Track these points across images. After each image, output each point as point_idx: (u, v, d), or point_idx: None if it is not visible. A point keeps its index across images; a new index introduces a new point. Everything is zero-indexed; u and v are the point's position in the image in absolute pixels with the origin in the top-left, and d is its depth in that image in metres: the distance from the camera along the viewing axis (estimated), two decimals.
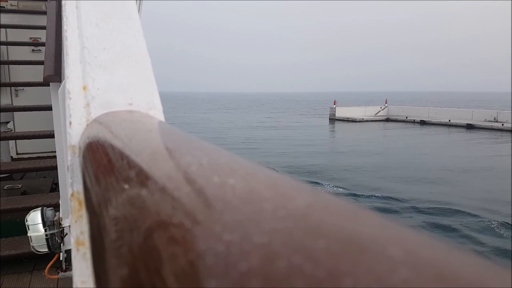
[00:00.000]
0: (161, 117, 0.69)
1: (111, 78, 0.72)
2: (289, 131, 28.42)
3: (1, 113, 4.38)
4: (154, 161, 0.31)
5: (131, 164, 0.33)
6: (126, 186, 0.30)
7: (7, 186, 4.03)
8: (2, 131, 4.49)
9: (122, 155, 0.36)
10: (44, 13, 4.53)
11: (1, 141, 4.62)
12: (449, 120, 30.02)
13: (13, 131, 5.04)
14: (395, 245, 0.14)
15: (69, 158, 0.65)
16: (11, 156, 5.27)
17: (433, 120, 31.24)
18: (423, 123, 31.38)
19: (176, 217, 0.21)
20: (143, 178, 0.29)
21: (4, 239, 3.10)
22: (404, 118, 33.57)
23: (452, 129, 28.12)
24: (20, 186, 4.06)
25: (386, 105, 36.80)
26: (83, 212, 0.63)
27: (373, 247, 0.14)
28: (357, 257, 0.14)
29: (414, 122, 32.23)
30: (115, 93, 0.70)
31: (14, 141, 5.36)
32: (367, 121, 33.75)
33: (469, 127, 28.07)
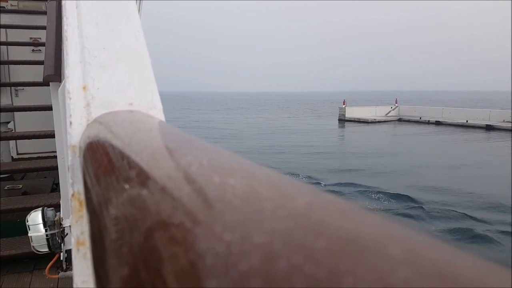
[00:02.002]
0: (161, 117, 0.69)
1: (111, 78, 0.72)
2: (303, 136, 25.22)
3: (1, 113, 4.38)
4: (155, 161, 0.31)
5: (131, 164, 0.33)
6: (126, 186, 0.30)
7: (7, 186, 4.04)
8: (2, 131, 4.49)
9: (123, 155, 0.36)
10: (44, 13, 4.54)
11: (2, 141, 4.62)
12: (467, 121, 28.39)
13: (13, 131, 5.04)
14: (395, 245, 0.14)
15: (69, 158, 0.65)
16: (12, 156, 5.27)
17: (449, 121, 29.59)
18: (438, 123, 29.85)
19: (176, 217, 0.21)
20: (143, 178, 0.29)
21: (4, 239, 3.10)
22: (417, 118, 31.97)
23: (472, 131, 26.26)
24: (20, 186, 4.06)
25: (397, 104, 35.24)
26: (84, 212, 0.63)
27: (373, 246, 0.14)
28: (358, 256, 0.14)
29: (428, 122, 30.73)
30: (115, 93, 0.70)
31: (14, 141, 5.36)
32: (379, 122, 32.05)
33: (489, 128, 26.62)
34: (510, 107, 29.90)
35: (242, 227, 0.17)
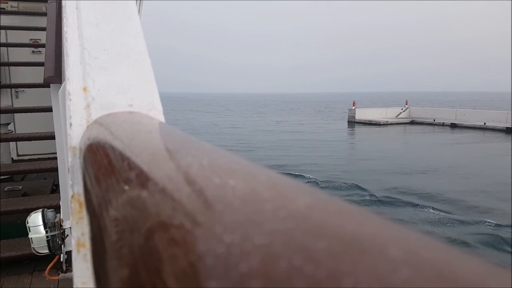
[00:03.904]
0: (162, 118, 0.69)
1: (111, 79, 0.72)
2: (323, 146, 20.55)
3: (2, 114, 4.38)
4: (155, 162, 0.31)
5: (131, 165, 0.33)
6: (126, 187, 0.30)
7: (7, 187, 4.03)
8: (2, 132, 4.49)
9: (123, 156, 0.36)
10: (44, 14, 4.54)
11: (2, 143, 4.63)
12: (484, 123, 26.72)
13: (13, 132, 5.04)
14: (395, 246, 0.14)
15: (69, 159, 0.65)
16: (12, 158, 5.27)
17: (466, 123, 27.77)
18: (454, 126, 28.11)
19: (176, 218, 0.21)
20: (143, 179, 0.29)
21: (4, 240, 3.10)
22: (431, 120, 30.26)
23: (492, 133, 24.52)
24: (20, 187, 4.06)
25: (407, 106, 33.65)
26: (84, 214, 0.63)
27: (373, 247, 0.14)
28: (358, 257, 0.14)
29: (443, 125, 28.99)
30: (116, 94, 0.70)
31: (14, 142, 5.36)
32: (391, 124, 30.14)
33: (509, 131, 24.67)
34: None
35: (242, 228, 0.17)
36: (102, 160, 0.41)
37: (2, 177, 4.13)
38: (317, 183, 12.39)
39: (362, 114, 32.27)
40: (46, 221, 1.61)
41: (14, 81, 5.35)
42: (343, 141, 23.66)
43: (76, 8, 0.80)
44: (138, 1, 4.48)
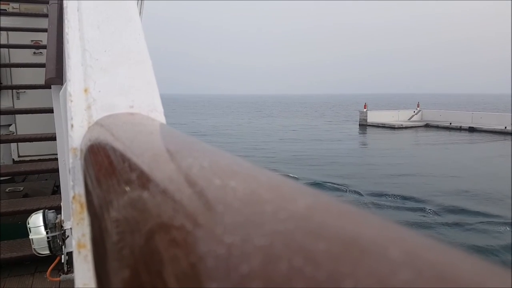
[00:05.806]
0: (162, 119, 0.69)
1: (112, 80, 0.72)
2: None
3: (3, 115, 4.39)
4: (156, 163, 0.31)
5: (132, 167, 0.33)
6: (127, 189, 0.30)
7: (8, 188, 4.04)
8: (3, 133, 4.50)
9: (124, 158, 0.36)
10: (46, 15, 4.55)
11: (3, 144, 4.63)
12: (505, 127, 24.72)
13: (14, 133, 5.05)
14: (395, 247, 0.14)
15: (70, 160, 0.65)
16: (13, 159, 5.28)
17: (485, 127, 25.97)
18: (472, 130, 26.29)
19: (177, 219, 0.21)
20: (144, 180, 0.29)
21: (5, 241, 3.11)
22: (447, 124, 28.24)
23: None
24: (21, 188, 4.06)
25: (419, 108, 32.34)
26: (85, 215, 0.63)
27: (373, 249, 0.14)
28: (358, 259, 0.14)
29: (460, 129, 27.17)
30: (117, 96, 0.70)
31: (15, 143, 5.37)
32: (405, 127, 28.35)
33: None
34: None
35: (242, 229, 0.17)
36: (103, 161, 0.41)
37: (3, 178, 4.13)
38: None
39: (374, 116, 30.91)
40: (46, 222, 1.61)
41: (15, 82, 5.37)
42: (367, 150, 21.17)
43: (78, 9, 0.80)
44: (139, 2, 4.49)
